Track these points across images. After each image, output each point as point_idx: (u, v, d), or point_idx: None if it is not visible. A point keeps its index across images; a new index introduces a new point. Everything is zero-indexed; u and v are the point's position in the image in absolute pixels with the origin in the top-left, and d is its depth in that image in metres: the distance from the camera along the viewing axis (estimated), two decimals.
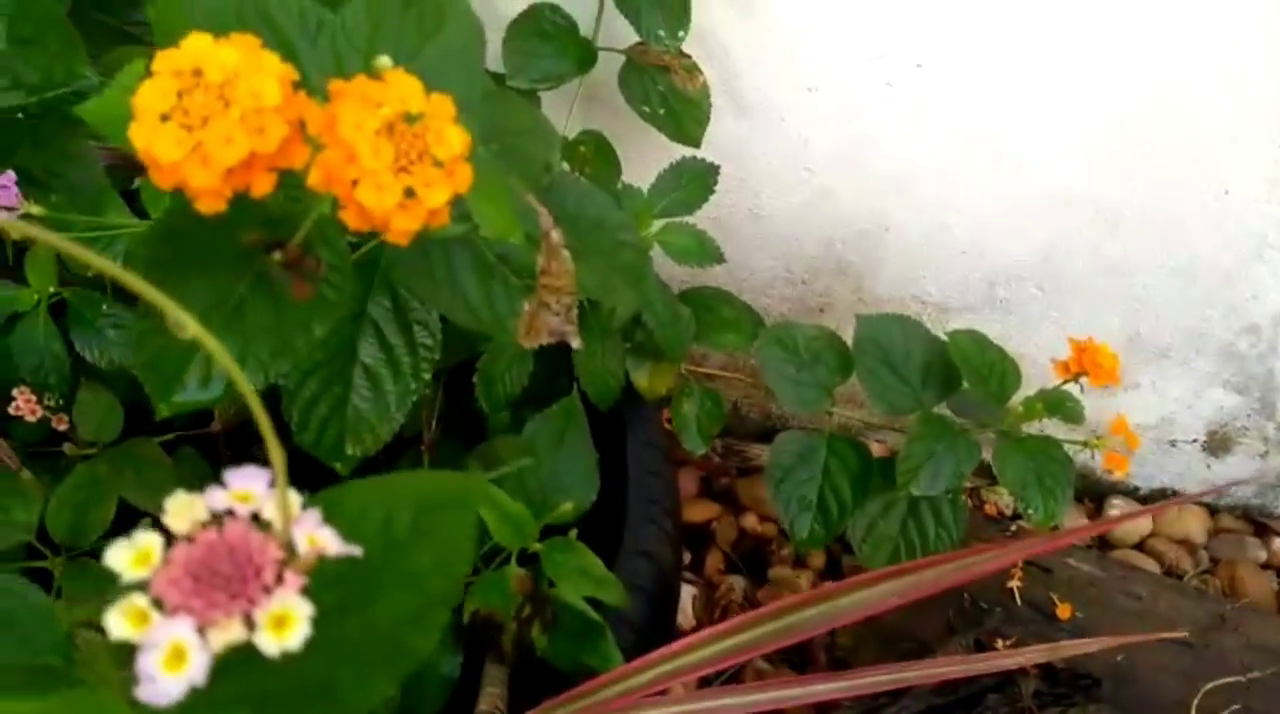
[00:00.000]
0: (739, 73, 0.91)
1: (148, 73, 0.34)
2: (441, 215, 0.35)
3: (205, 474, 0.75)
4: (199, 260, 0.40)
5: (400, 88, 0.34)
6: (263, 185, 0.33)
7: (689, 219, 0.82)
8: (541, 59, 0.82)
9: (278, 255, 0.38)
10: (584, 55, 0.84)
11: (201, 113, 0.32)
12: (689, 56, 0.86)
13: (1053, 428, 0.80)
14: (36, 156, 0.78)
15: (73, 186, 0.74)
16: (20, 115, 0.74)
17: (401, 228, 0.34)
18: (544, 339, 0.50)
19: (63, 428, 0.73)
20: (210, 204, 0.33)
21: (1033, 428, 0.77)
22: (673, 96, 0.86)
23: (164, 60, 0.32)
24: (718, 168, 0.83)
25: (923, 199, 0.93)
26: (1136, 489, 1.08)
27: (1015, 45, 0.84)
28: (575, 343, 0.51)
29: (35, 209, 0.61)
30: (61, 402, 0.72)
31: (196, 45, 0.32)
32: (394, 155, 0.34)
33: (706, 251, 0.80)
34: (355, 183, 0.33)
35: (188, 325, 0.25)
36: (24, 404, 0.71)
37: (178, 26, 0.45)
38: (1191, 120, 0.85)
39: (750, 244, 0.99)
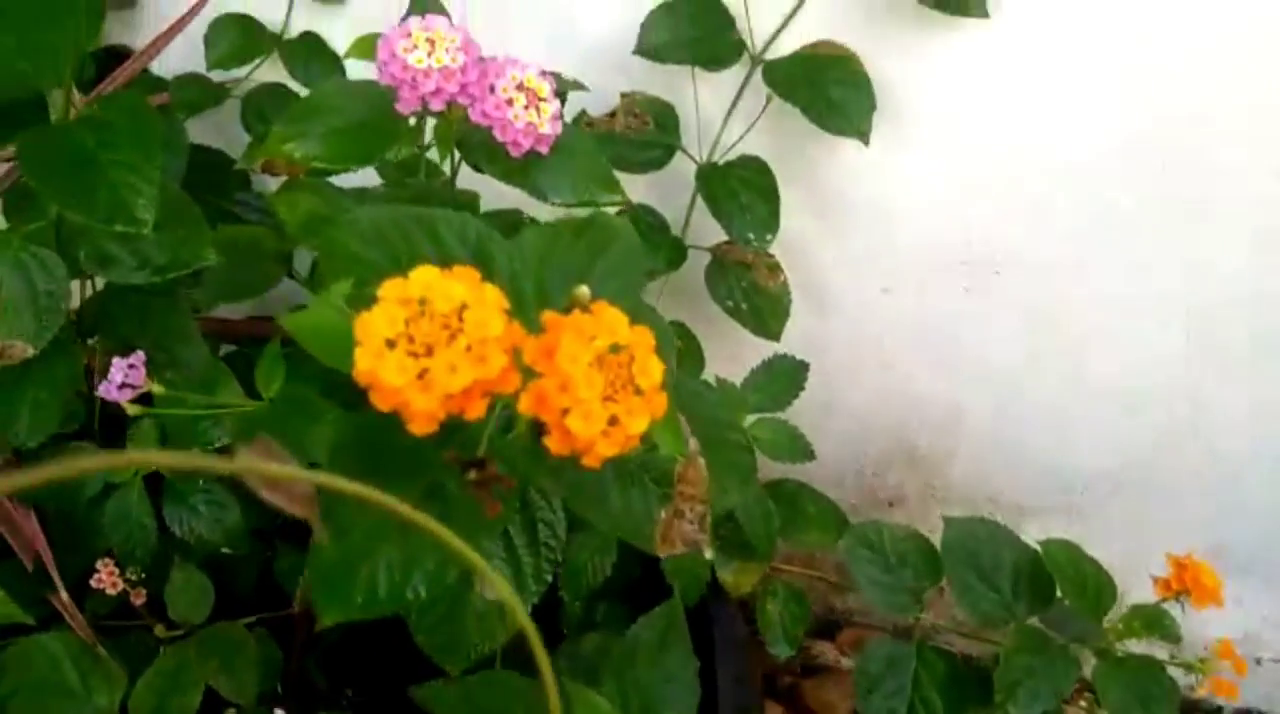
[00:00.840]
0: (818, 271, 0.94)
1: (370, 299, 0.35)
2: (636, 440, 0.36)
3: (277, 659, 0.73)
4: (378, 471, 0.40)
5: (609, 320, 0.35)
6: (476, 410, 0.34)
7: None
8: None
9: (473, 474, 0.38)
10: (675, 253, 0.86)
11: (427, 341, 0.33)
12: (771, 255, 0.89)
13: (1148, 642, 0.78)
14: (145, 331, 0.80)
15: (178, 360, 0.75)
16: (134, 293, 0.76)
17: (602, 453, 0.35)
18: (679, 549, 0.50)
19: (139, 603, 0.71)
20: (423, 426, 0.33)
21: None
22: (755, 292, 0.89)
23: (391, 289, 0.33)
24: (807, 365, 0.84)
25: (998, 397, 0.94)
26: (1219, 709, 1.05)
27: (1094, 252, 0.87)
28: (708, 553, 0.50)
29: (156, 388, 0.61)
30: (143, 575, 0.71)
31: (424, 277, 0.33)
32: (603, 385, 0.34)
33: (799, 449, 0.80)
34: (565, 411, 0.34)
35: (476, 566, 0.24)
36: (106, 577, 0.69)
37: (342, 240, 0.47)
38: None
39: (822, 436, 0.99)
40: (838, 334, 0.95)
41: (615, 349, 0.35)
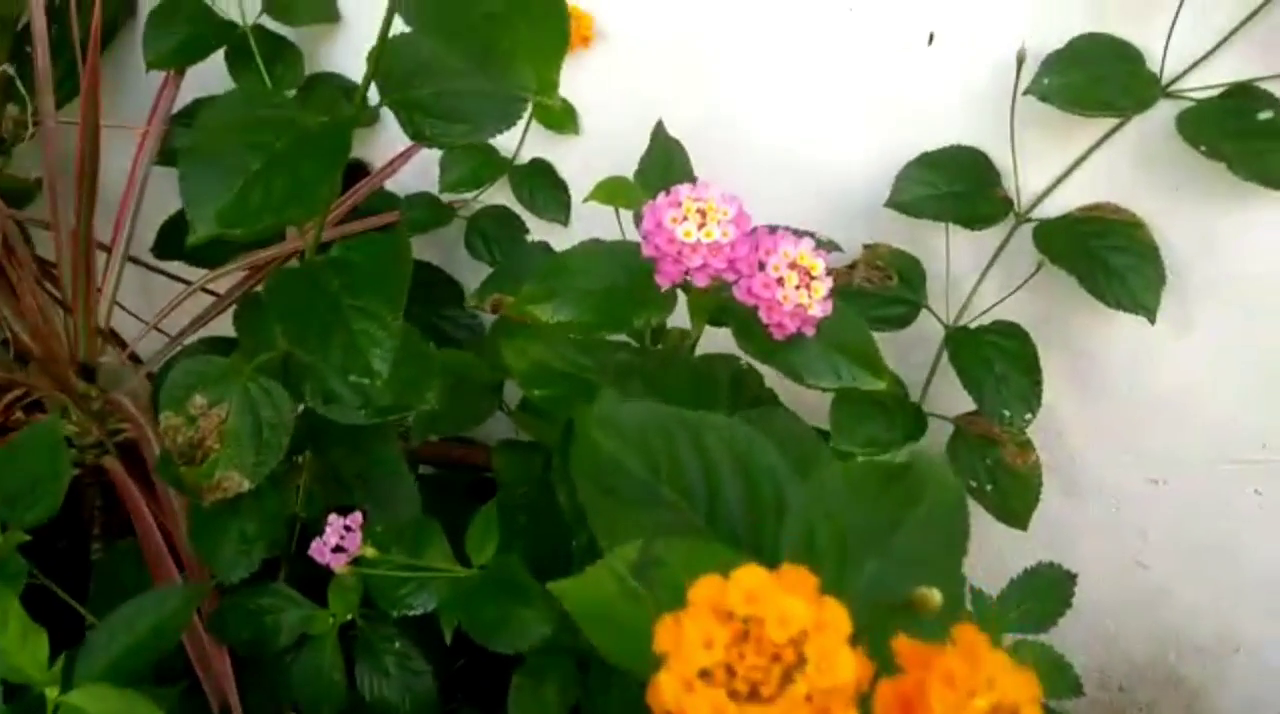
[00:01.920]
0: (1074, 451, 0.83)
1: (657, 563, 0.29)
2: None
3: None
4: None
5: (990, 666, 0.27)
6: None
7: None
8: (870, 423, 0.76)
9: None
10: (914, 424, 0.78)
11: (752, 676, 0.26)
12: (1022, 431, 0.79)
13: None
14: (353, 458, 0.78)
15: (388, 502, 0.72)
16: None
17: None
18: None
19: None
20: None
21: None
22: (1001, 472, 0.79)
23: (707, 592, 0.27)
24: (1074, 576, 0.73)
25: None
26: None
27: None
28: None
29: (369, 552, 0.57)
30: None
31: (750, 583, 0.27)
32: None
33: (1065, 682, 0.69)
34: None
35: None
36: None
37: (599, 438, 0.42)
38: None
39: (1060, 636, 0.87)
40: (1091, 523, 0.84)
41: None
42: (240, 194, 0.49)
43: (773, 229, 0.53)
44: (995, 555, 0.81)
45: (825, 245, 0.72)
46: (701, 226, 0.50)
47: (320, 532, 0.63)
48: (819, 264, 0.52)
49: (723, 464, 0.41)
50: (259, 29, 1.03)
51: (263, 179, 0.49)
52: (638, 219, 0.76)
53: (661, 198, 0.51)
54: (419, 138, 0.57)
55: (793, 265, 0.51)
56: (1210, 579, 0.81)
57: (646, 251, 0.51)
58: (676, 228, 0.50)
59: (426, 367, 0.68)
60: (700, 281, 0.51)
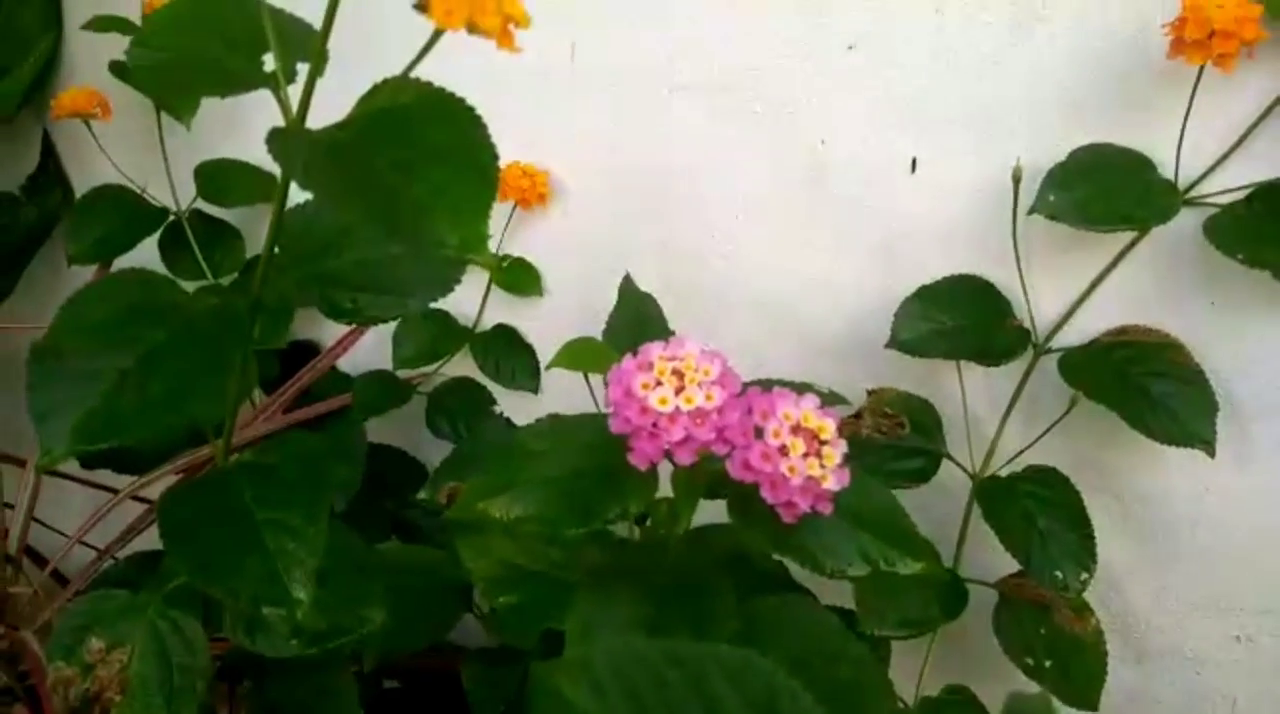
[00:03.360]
0: (1138, 610, 0.71)
1: None
2: None
3: None
4: None
5: None
6: None
7: None
8: (901, 599, 0.65)
9: None
10: (953, 597, 0.67)
11: None
12: (1078, 593, 0.67)
13: None
14: (292, 693, 0.66)
15: None
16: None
17: None
18: None
19: None
20: None
21: None
22: (1060, 643, 0.67)
23: None
24: None
25: None
26: None
27: None
28: None
29: None
30: None
31: None
32: None
33: None
34: None
35: None
36: None
37: (566, 691, 0.31)
38: None
39: None
40: (1170, 691, 0.71)
41: None
42: (106, 399, 0.39)
43: (766, 386, 0.43)
44: None
45: (828, 399, 0.63)
46: (679, 391, 0.41)
47: None
48: (828, 425, 0.42)
49: None
50: (195, 213, 0.96)
51: (135, 379, 0.40)
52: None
53: (628, 360, 0.42)
54: (340, 316, 0.48)
55: (796, 429, 0.41)
56: None
57: (616, 426, 0.42)
58: (649, 395, 0.40)
59: (368, 580, 0.57)
60: (684, 459, 0.41)
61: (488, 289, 0.90)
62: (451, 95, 0.40)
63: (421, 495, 0.65)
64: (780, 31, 0.72)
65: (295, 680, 0.66)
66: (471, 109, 0.39)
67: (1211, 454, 0.61)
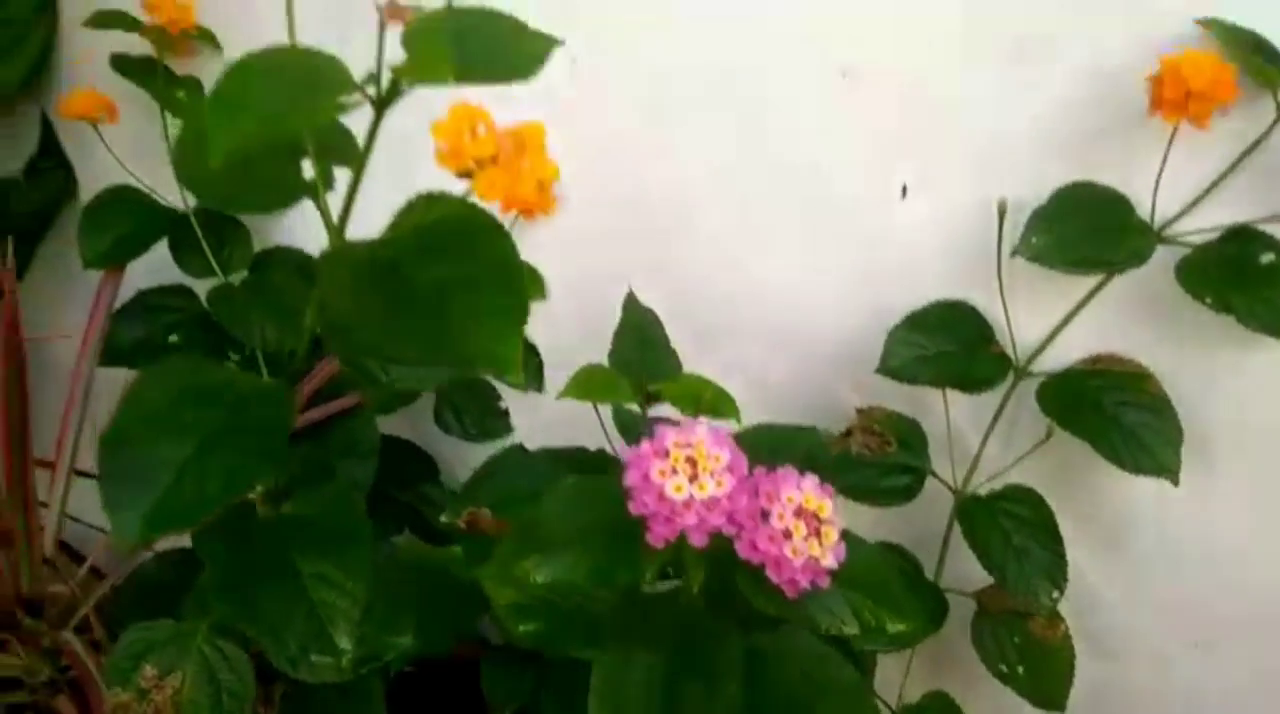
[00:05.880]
0: (1105, 614, 0.77)
1: None
2: None
3: None
4: None
5: None
6: None
7: None
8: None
9: None
10: (935, 608, 0.73)
11: None
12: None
13: None
14: (321, 690, 0.71)
15: None
16: None
17: None
18: None
19: None
20: None
21: None
22: (1032, 650, 0.73)
23: None
24: None
25: None
26: None
27: None
28: None
29: None
30: None
31: None
32: None
33: None
34: None
35: None
36: None
37: None
38: None
39: None
40: (1131, 688, 0.78)
41: None
42: (168, 492, 0.43)
43: (770, 467, 0.47)
44: None
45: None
46: (693, 479, 0.45)
47: None
48: (826, 505, 0.46)
49: None
50: (203, 212, 0.98)
51: (194, 468, 0.44)
52: (619, 420, 0.72)
53: (645, 446, 0.46)
54: (373, 386, 0.51)
55: (799, 512, 0.46)
56: None
57: (634, 509, 0.46)
58: (666, 482, 0.44)
59: (402, 601, 0.62)
60: (697, 541, 0.45)
61: None
62: (481, 211, 0.42)
63: (444, 520, 0.69)
64: (781, 56, 0.74)
65: (336, 698, 0.71)
66: (499, 224, 0.42)
67: (1175, 483, 0.66)
